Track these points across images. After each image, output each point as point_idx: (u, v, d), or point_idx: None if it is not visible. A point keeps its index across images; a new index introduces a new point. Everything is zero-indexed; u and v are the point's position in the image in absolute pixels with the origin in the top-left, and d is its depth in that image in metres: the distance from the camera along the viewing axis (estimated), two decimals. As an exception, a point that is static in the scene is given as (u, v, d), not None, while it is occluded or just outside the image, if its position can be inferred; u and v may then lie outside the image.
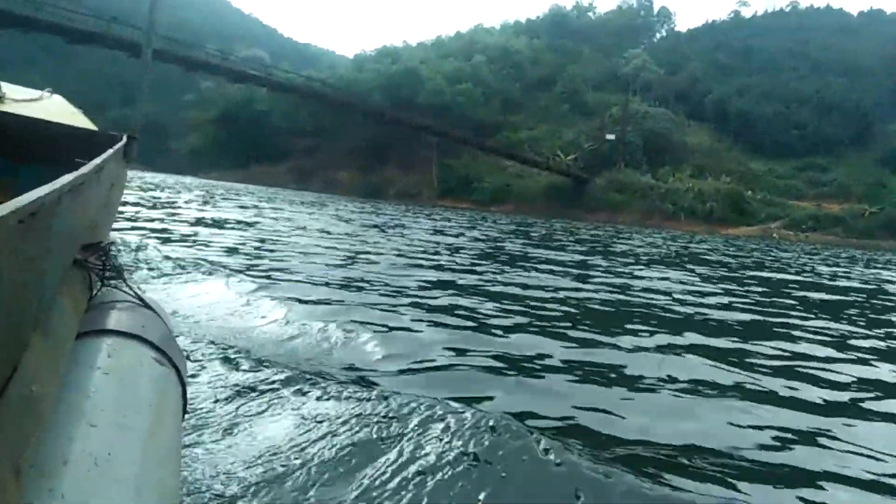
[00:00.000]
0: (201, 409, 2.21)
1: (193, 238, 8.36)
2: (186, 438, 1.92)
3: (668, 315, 5.64)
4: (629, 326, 4.85)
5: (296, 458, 1.91)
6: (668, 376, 3.41)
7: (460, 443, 1.98)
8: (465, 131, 58.52)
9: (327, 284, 5.53)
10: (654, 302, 6.34)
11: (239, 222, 12.17)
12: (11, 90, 2.81)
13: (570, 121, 66.82)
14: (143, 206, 13.20)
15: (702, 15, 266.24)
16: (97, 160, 1.38)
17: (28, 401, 0.64)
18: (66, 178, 0.90)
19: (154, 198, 16.90)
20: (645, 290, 7.35)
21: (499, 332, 4.18)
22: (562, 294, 6.27)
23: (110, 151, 1.74)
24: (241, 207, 17.82)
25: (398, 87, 61.46)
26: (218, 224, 11.23)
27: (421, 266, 7.66)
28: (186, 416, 1.17)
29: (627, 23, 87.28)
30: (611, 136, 59.21)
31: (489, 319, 4.60)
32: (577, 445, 2.21)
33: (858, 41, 75.01)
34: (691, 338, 4.55)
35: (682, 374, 3.45)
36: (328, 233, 11.79)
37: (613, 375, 3.40)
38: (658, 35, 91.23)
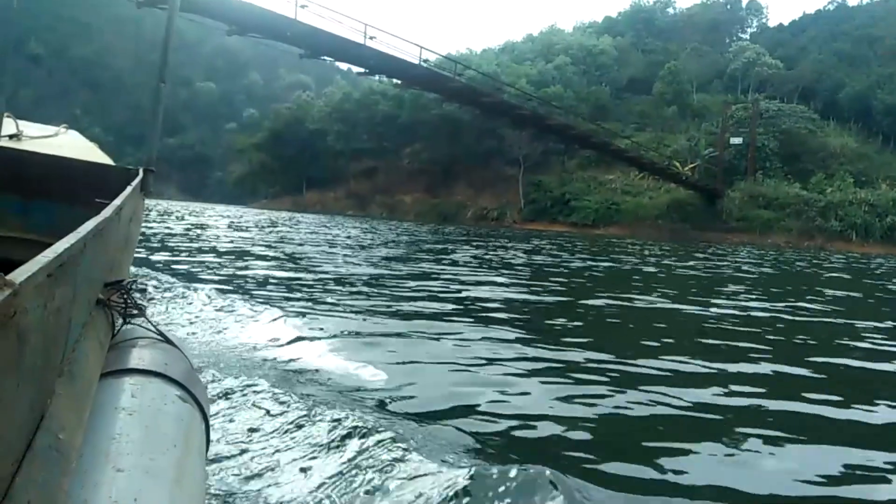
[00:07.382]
0: (225, 443, 2.10)
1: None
2: (209, 474, 1.77)
3: None
4: None
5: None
6: None
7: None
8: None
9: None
10: None
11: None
12: (29, 128, 2.72)
13: (673, 125, 57.03)
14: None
15: (789, 8, 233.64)
16: (117, 201, 1.36)
17: (56, 450, 0.62)
18: (90, 224, 0.88)
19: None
20: None
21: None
22: None
23: (129, 190, 1.70)
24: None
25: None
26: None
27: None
28: (209, 451, 1.13)
29: (714, 17, 77.46)
30: (736, 140, 49.14)
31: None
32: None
33: None
34: None
35: None
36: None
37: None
38: (749, 29, 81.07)
